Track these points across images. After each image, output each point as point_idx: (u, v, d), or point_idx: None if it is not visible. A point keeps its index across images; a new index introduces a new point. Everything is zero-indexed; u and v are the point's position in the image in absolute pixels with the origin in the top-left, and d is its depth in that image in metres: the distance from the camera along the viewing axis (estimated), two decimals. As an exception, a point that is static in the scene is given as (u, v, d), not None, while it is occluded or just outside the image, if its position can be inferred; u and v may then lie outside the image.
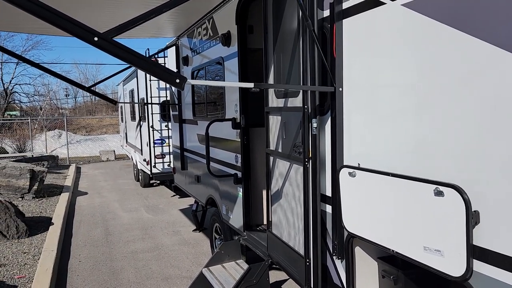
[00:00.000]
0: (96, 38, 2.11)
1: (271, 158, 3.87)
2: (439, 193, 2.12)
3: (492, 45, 1.88)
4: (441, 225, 2.13)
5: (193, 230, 7.65)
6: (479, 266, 2.01)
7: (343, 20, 2.86)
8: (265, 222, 4.78)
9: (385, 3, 2.47)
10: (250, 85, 2.70)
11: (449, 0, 2.07)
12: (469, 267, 2.01)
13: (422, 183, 2.22)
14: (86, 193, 11.85)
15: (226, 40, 4.79)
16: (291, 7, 3.36)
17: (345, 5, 2.83)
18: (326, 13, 3.01)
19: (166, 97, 10.18)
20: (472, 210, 2.00)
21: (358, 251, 3.04)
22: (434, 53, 2.18)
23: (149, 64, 2.34)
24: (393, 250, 2.48)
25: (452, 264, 2.08)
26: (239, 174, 4.75)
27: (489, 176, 1.94)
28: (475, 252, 2.01)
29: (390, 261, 2.93)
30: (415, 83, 2.32)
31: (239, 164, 4.76)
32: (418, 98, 2.30)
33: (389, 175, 2.46)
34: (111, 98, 9.23)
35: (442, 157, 2.17)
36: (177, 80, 2.40)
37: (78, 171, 16.78)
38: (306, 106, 3.12)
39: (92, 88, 4.79)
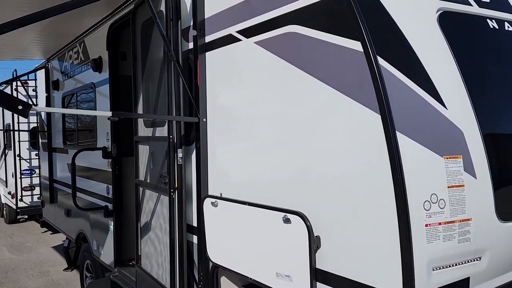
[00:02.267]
0: None
1: (141, 189, 3.74)
2: (287, 220, 2.23)
3: (329, 87, 2.07)
4: (290, 251, 2.24)
5: (64, 269, 6.96)
6: (323, 288, 2.14)
7: (206, 53, 2.94)
8: (138, 256, 4.56)
9: (241, 40, 2.60)
10: (108, 113, 2.60)
11: (291, 43, 2.25)
12: (312, 289, 2.12)
13: (273, 211, 2.32)
14: None
15: (97, 65, 4.59)
16: (158, 36, 3.35)
17: (207, 39, 2.92)
18: (191, 45, 3.06)
19: (37, 123, 9.33)
20: (314, 235, 2.14)
21: (224, 281, 3.04)
22: (281, 90, 2.34)
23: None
24: (251, 278, 2.52)
25: (299, 287, 2.19)
26: (110, 206, 4.49)
27: (328, 202, 2.10)
28: (318, 276, 2.14)
29: (254, 288, 2.99)
30: (265, 116, 2.45)
31: (111, 195, 4.50)
32: (267, 130, 2.43)
33: (245, 204, 2.53)
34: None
35: (290, 186, 2.30)
36: (20, 107, 2.20)
37: None
38: (171, 136, 3.09)
39: None
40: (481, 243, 1.98)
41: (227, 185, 2.80)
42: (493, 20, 2.33)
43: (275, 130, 2.39)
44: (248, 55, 2.56)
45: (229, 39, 2.69)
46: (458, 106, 2.00)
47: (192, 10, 2.97)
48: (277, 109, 2.38)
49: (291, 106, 2.28)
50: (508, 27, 2.39)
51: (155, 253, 3.50)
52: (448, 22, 2.15)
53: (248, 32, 2.54)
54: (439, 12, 2.14)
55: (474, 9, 2.30)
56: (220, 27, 2.79)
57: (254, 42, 2.50)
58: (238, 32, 2.61)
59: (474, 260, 1.98)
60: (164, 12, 3.08)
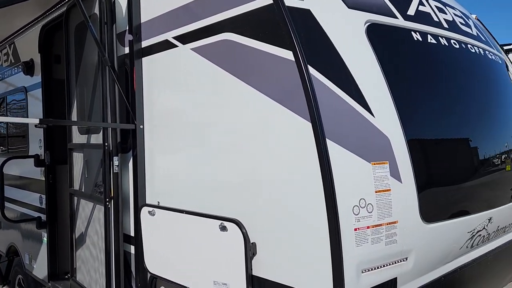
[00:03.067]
0: None
1: (75, 199, 3.57)
2: (223, 228, 2.22)
3: (263, 94, 2.09)
4: (226, 258, 2.23)
5: (-6, 286, 6.49)
6: (259, 294, 2.15)
7: (143, 58, 2.87)
8: (75, 269, 4.34)
9: (178, 46, 2.57)
10: (35, 121, 2.46)
11: (226, 51, 2.25)
12: (248, 297, 2.13)
13: (210, 219, 2.30)
14: None
15: (28, 68, 4.35)
16: (92, 40, 3.23)
17: (144, 44, 2.85)
18: (128, 50, 2.98)
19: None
20: (250, 242, 2.14)
21: (163, 291, 2.97)
22: (217, 97, 2.33)
23: None
24: (188, 288, 2.49)
25: (236, 295, 2.19)
26: (43, 217, 4.25)
27: (263, 209, 2.11)
28: (254, 282, 2.15)
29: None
30: (201, 124, 2.43)
31: (44, 206, 4.26)
32: (203, 138, 2.42)
33: (183, 212, 2.49)
34: None
35: (227, 193, 2.29)
36: None
37: None
38: (106, 144, 2.98)
39: None
40: (407, 244, 2.09)
41: (165, 193, 2.74)
42: (417, 33, 2.48)
43: (211, 138, 2.38)
44: (184, 62, 2.54)
45: (166, 45, 2.65)
46: (384, 114, 2.10)
47: (128, 14, 2.90)
48: (213, 116, 2.37)
49: (227, 113, 2.28)
50: (431, 39, 2.54)
51: (91, 265, 3.36)
52: (376, 33, 2.25)
53: (185, 38, 2.52)
54: (367, 24, 2.24)
55: (400, 21, 2.42)
56: (156, 32, 2.74)
57: (191, 49, 2.47)
58: (175, 38, 2.58)
59: (401, 261, 2.08)
60: (98, 15, 2.97)
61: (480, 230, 2.59)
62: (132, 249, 3.01)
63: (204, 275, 2.37)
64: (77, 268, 3.60)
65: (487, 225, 2.63)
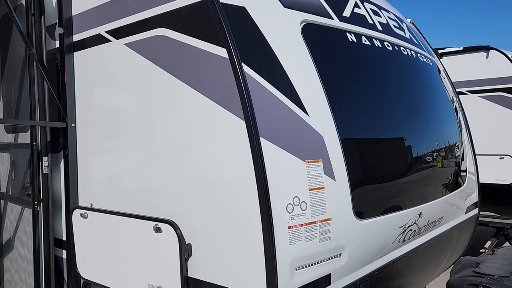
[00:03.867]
0: None
1: (2, 202, 3.34)
2: (158, 230, 2.16)
3: (197, 92, 2.05)
4: (161, 261, 2.16)
5: None
6: (195, 296, 2.10)
7: (74, 53, 2.73)
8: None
9: (111, 41, 2.46)
10: (-50, 118, 2.26)
11: (160, 47, 2.19)
12: (183, 299, 2.08)
13: (144, 220, 2.23)
14: None
15: None
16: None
17: (75, 38, 2.71)
18: (58, 43, 2.82)
19: None
20: (186, 243, 2.09)
21: (98, 297, 2.84)
22: (152, 94, 2.26)
23: None
24: (123, 292, 2.39)
25: (171, 298, 2.13)
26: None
27: (198, 209, 2.07)
28: (190, 284, 2.10)
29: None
30: (136, 122, 2.35)
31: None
32: (138, 137, 2.33)
33: (116, 214, 2.39)
34: None
35: (162, 194, 2.23)
36: None
37: None
38: (35, 143, 2.81)
39: None
40: (341, 241, 2.13)
41: (99, 195, 2.62)
42: (352, 34, 2.54)
43: (146, 137, 2.30)
44: (118, 57, 2.43)
45: (98, 39, 2.53)
46: (319, 113, 2.12)
47: (58, 6, 2.74)
48: (148, 114, 2.29)
49: (162, 111, 2.21)
50: (365, 40, 2.62)
51: (20, 274, 3.15)
52: (311, 33, 2.27)
53: (118, 33, 2.42)
54: (302, 24, 2.26)
55: (335, 22, 2.47)
56: (88, 26, 2.61)
57: (124, 44, 2.38)
58: (108, 32, 2.47)
59: (334, 257, 2.12)
60: (24, 6, 2.79)
61: (411, 225, 2.70)
62: (64, 253, 2.85)
63: (138, 279, 2.29)
64: (5, 276, 3.36)
65: (417, 220, 2.75)
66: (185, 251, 2.08)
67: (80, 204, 2.72)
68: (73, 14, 2.71)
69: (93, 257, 2.57)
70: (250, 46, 2.00)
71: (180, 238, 2.07)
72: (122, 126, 2.47)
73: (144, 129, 2.32)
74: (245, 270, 1.90)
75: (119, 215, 2.38)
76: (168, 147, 2.19)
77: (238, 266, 1.92)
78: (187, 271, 2.09)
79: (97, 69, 2.60)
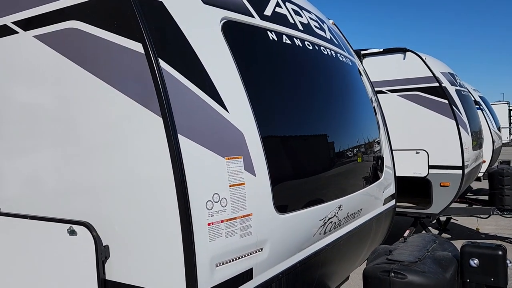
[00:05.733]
0: None
1: None
2: (72, 232, 2.06)
3: (113, 88, 1.97)
4: (77, 265, 2.07)
5: None
6: (113, 300, 2.03)
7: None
8: None
9: (18, 33, 2.30)
10: None
11: (73, 40, 2.08)
12: (101, 303, 2.00)
13: (57, 223, 2.11)
14: None
15: None
16: None
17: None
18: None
19: None
20: (103, 245, 2.02)
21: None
22: (64, 90, 2.14)
23: None
24: (35, 301, 2.25)
25: (87, 303, 2.04)
26: None
27: (116, 210, 2.00)
28: (107, 287, 2.03)
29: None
30: (48, 119, 2.22)
31: None
32: (49, 134, 2.20)
33: (27, 218, 2.24)
34: None
35: (76, 195, 2.12)
36: None
37: None
38: None
39: None
40: (262, 235, 2.17)
41: (7, 198, 2.44)
42: (273, 33, 2.59)
43: (57, 134, 2.18)
44: (27, 51, 2.28)
45: (4, 31, 2.35)
46: (239, 110, 2.14)
47: (-42, -7, 2.50)
48: (59, 110, 2.17)
49: (76, 108, 2.10)
50: (286, 39, 2.68)
51: None
52: (232, 31, 2.29)
53: (27, 24, 2.26)
54: (223, 21, 2.27)
55: (256, 21, 2.51)
56: (-7, 15, 2.41)
57: (34, 36, 2.23)
58: (15, 23, 2.30)
59: (256, 252, 2.15)
60: None
61: (332, 217, 2.82)
62: (-30, 263, 2.62)
63: (53, 286, 2.16)
64: None
65: (337, 212, 2.88)
66: (102, 253, 2.00)
67: (-13, 208, 2.51)
68: (-25, 2, 2.49)
69: (2, 266, 2.39)
70: (168, 41, 1.96)
71: (96, 240, 1.99)
72: (33, 123, 2.31)
73: (54, 126, 2.19)
74: (164, 269, 1.87)
75: (29, 219, 2.23)
76: (84, 146, 2.09)
77: (157, 266, 1.89)
78: (104, 273, 2.02)
79: (3, 63, 2.41)
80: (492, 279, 2.47)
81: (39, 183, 2.28)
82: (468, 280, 2.54)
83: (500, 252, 2.46)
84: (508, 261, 2.48)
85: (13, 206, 2.38)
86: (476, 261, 2.49)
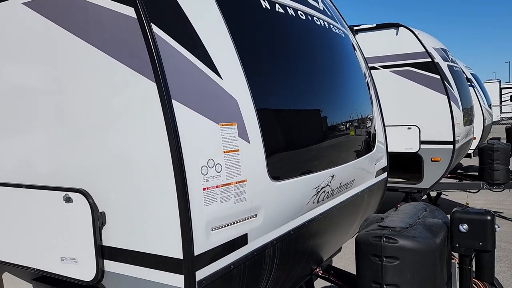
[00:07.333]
0: None
1: None
2: (68, 200, 2.07)
3: (106, 54, 1.96)
4: (73, 232, 2.09)
5: None
6: (111, 265, 2.06)
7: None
8: None
9: (7, 0, 2.26)
10: None
11: (63, 6, 2.05)
12: (98, 268, 2.03)
13: (53, 191, 2.12)
14: None
15: None
16: None
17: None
18: None
19: None
20: (99, 211, 2.04)
21: (7, 278, 2.69)
22: (56, 58, 2.12)
23: None
24: (33, 268, 2.28)
25: (85, 269, 2.07)
26: None
27: (111, 176, 2.01)
28: (105, 253, 2.05)
29: (46, 281, 2.72)
30: (39, 88, 2.20)
31: None
32: (41, 104, 2.19)
33: (22, 187, 2.25)
34: None
35: (71, 163, 2.13)
36: None
37: None
38: None
39: None
40: (256, 202, 2.20)
41: (1, 168, 2.44)
42: (266, 1, 2.57)
43: (50, 104, 2.17)
44: (15, 18, 2.24)
45: (-8, -2, 2.31)
46: (232, 77, 2.14)
47: None
48: (51, 79, 2.15)
49: (67, 76, 2.09)
50: (279, 8, 2.67)
51: None
52: (224, -3, 2.26)
53: (15, -9, 2.22)
54: (215, -13, 2.24)
55: (249, -12, 2.48)
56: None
57: (22, 3, 2.19)
58: (3, -10, 2.26)
59: (250, 218, 2.19)
60: None
61: (325, 187, 2.86)
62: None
63: (50, 253, 2.19)
64: None
65: (330, 182, 2.92)
66: (98, 219, 2.02)
67: (-19, 180, 2.51)
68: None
69: (1, 236, 2.41)
70: (160, 6, 1.94)
71: (93, 206, 2.01)
72: (23, 94, 2.30)
73: (48, 96, 2.18)
74: (161, 233, 1.89)
75: (25, 188, 2.24)
76: (75, 114, 2.09)
77: (153, 230, 1.92)
78: (101, 239, 2.04)
79: (-7, 32, 2.37)
80: (481, 243, 2.54)
81: (35, 153, 2.28)
82: (457, 245, 2.61)
83: (489, 217, 2.53)
84: (496, 226, 2.54)
85: (9, 176, 2.38)
86: (465, 226, 2.56)
